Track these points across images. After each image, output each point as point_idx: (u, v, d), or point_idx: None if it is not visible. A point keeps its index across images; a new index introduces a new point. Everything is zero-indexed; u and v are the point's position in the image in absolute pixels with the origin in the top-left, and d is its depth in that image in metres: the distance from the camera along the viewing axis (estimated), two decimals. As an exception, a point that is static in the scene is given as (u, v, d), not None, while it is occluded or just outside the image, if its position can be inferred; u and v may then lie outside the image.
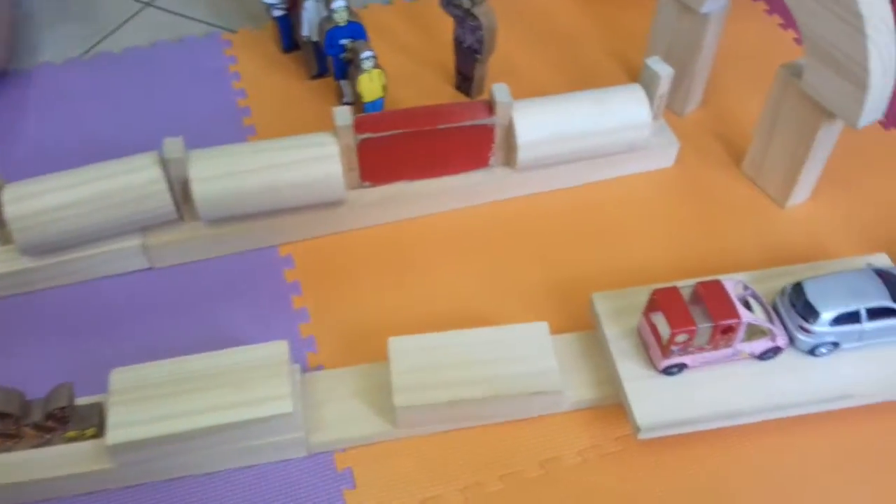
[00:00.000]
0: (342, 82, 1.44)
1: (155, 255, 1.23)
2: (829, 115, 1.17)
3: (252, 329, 1.17)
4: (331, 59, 1.41)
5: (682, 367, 1.03)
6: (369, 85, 1.37)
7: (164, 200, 1.17)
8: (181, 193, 1.19)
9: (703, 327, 0.98)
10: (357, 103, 1.41)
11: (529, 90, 1.33)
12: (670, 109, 1.47)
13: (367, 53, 1.33)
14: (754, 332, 1.04)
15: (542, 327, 1.09)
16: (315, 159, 1.19)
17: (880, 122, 1.47)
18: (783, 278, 1.11)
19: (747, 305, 1.05)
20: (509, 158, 1.30)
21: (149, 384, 1.00)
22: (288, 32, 1.53)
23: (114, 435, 0.96)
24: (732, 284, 1.03)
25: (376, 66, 1.36)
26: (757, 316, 1.03)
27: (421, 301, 1.21)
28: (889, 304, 1.01)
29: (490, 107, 1.24)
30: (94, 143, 1.41)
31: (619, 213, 1.33)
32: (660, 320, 1.01)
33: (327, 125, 1.20)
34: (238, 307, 1.20)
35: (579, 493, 1.03)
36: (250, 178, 1.18)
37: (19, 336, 1.17)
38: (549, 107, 1.27)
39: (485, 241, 1.29)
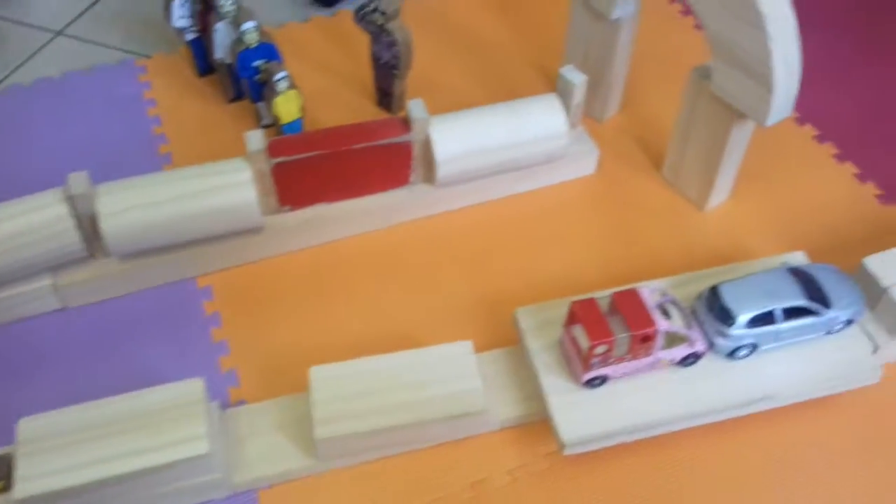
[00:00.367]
0: (259, 104, 1.41)
1: (67, 294, 1.19)
2: (740, 115, 1.18)
3: (171, 366, 1.14)
4: (245, 81, 1.39)
5: (603, 378, 1.02)
6: (286, 106, 1.35)
7: (72, 238, 1.14)
8: (90, 229, 1.15)
9: (621, 338, 0.98)
10: (276, 125, 1.38)
11: (452, 104, 1.32)
12: (590, 116, 1.47)
13: (280, 74, 1.31)
14: (674, 338, 1.04)
15: (465, 346, 1.07)
16: (228, 186, 1.17)
17: (795, 119, 1.49)
18: (704, 281, 1.11)
19: (666, 312, 1.05)
20: (429, 175, 1.28)
21: (59, 432, 0.96)
22: (202, 56, 1.50)
23: (22, 488, 0.92)
24: (649, 292, 1.03)
25: (292, 86, 1.34)
26: (675, 322, 1.03)
27: (346, 326, 1.19)
28: (803, 303, 1.02)
29: (406, 124, 1.23)
30: (2, 180, 1.36)
31: (543, 224, 1.33)
32: (579, 333, 1.00)
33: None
34: (156, 344, 1.17)
35: (510, 514, 1.02)
36: (161, 210, 1.15)
37: (-74, 388, 1.13)
38: (466, 121, 1.26)
39: (409, 261, 1.28)
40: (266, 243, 1.24)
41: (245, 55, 1.34)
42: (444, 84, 1.55)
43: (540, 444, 1.07)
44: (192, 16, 1.43)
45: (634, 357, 1.01)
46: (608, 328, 0.98)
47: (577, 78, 1.27)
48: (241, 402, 1.10)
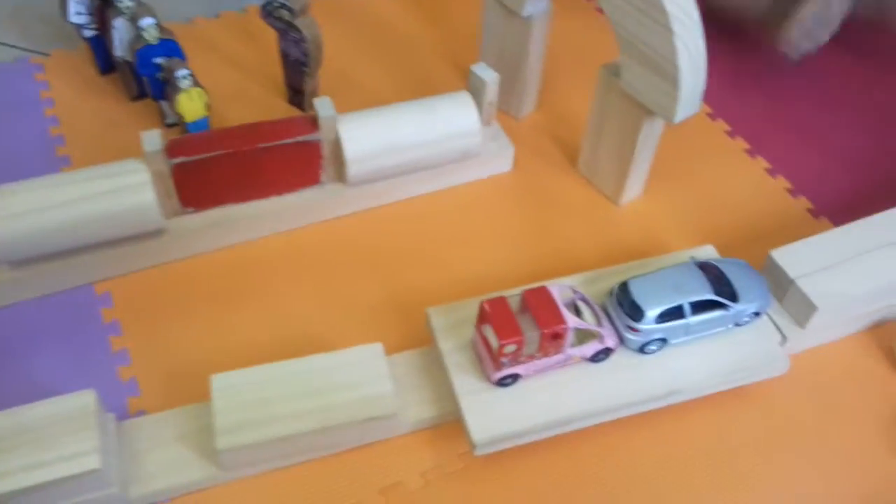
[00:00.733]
0: (162, 103, 1.36)
1: (-47, 304, 1.12)
2: (649, 111, 1.18)
3: (66, 378, 1.08)
4: (147, 79, 1.33)
5: (515, 377, 1.01)
6: (189, 104, 1.30)
7: (-44, 246, 1.07)
8: (-23, 236, 1.09)
9: (531, 336, 0.97)
10: (180, 124, 1.33)
11: (367, 101, 1.29)
12: (506, 113, 1.47)
13: (182, 72, 1.26)
14: (585, 335, 1.03)
15: (376, 349, 1.05)
16: (125, 188, 1.12)
17: (707, 115, 1.51)
18: (617, 277, 1.11)
19: (577, 309, 1.04)
20: (340, 174, 1.25)
21: (-62, 451, 0.90)
22: (102, 53, 1.43)
23: None
24: (559, 289, 1.02)
25: (195, 84, 1.29)
26: (585, 319, 1.02)
27: (254, 332, 1.15)
28: (711, 296, 1.03)
29: (314, 122, 1.20)
30: None
31: (459, 223, 1.31)
32: (489, 332, 0.99)
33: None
34: (50, 355, 1.11)
35: (422, 518, 1.00)
36: (54, 214, 1.09)
37: None
38: (377, 119, 1.23)
39: (320, 262, 1.24)
40: (168, 247, 1.19)
41: (145, 52, 1.28)
42: (358, 81, 1.52)
43: (454, 445, 1.05)
44: (90, 12, 1.37)
45: (545, 355, 1.00)
46: (518, 327, 0.97)
47: (488, 75, 1.25)
48: (140, 413, 1.05)
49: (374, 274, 1.23)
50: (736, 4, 1.50)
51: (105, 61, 1.45)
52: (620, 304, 1.03)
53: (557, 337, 0.98)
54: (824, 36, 1.43)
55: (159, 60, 1.30)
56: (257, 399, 0.99)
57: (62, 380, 1.08)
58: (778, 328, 1.11)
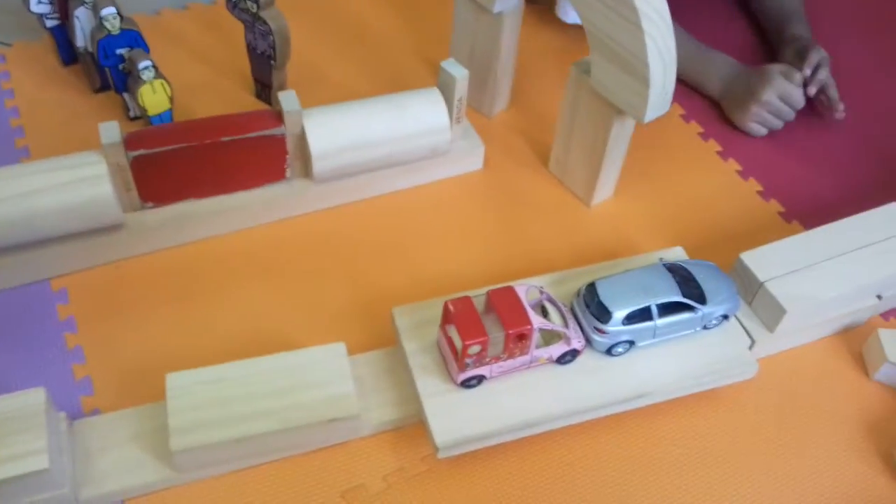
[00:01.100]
0: (125, 95, 1.33)
1: None
2: (619, 110, 1.16)
3: (17, 375, 1.05)
4: (108, 70, 1.30)
5: (480, 378, 0.99)
6: (152, 97, 1.27)
7: None
8: (-73, 228, 1.05)
9: (496, 336, 0.95)
10: (144, 117, 1.30)
11: (337, 97, 1.27)
12: (477, 111, 1.45)
13: (144, 63, 1.23)
14: (551, 336, 1.01)
15: (338, 348, 1.02)
16: (82, 181, 1.08)
17: (681, 116, 1.50)
18: (585, 277, 1.09)
19: (544, 310, 1.03)
20: (306, 170, 1.23)
21: None
22: (65, 44, 1.40)
23: None
24: (525, 290, 1.00)
25: (158, 76, 1.26)
26: (551, 320, 1.01)
27: (215, 330, 1.12)
28: (678, 298, 1.01)
29: (279, 116, 1.17)
30: None
31: (428, 221, 1.29)
32: (454, 332, 0.97)
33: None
34: (3, 351, 1.07)
35: (383, 522, 0.97)
36: (8, 206, 1.06)
37: None
38: (344, 114, 1.21)
39: (284, 260, 1.21)
40: (127, 242, 1.16)
41: (106, 43, 1.25)
42: (328, 76, 1.49)
43: (418, 448, 1.03)
44: (51, 1, 1.33)
45: (511, 356, 0.98)
46: (482, 327, 0.95)
47: (458, 71, 1.23)
48: (95, 412, 1.02)
49: (340, 272, 1.21)
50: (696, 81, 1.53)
51: (67, 52, 1.42)
52: (587, 306, 1.02)
53: (523, 338, 0.96)
54: (779, 125, 1.46)
55: (122, 51, 1.27)
56: (214, 399, 0.96)
57: (14, 377, 1.05)
58: (747, 331, 1.10)
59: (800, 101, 1.42)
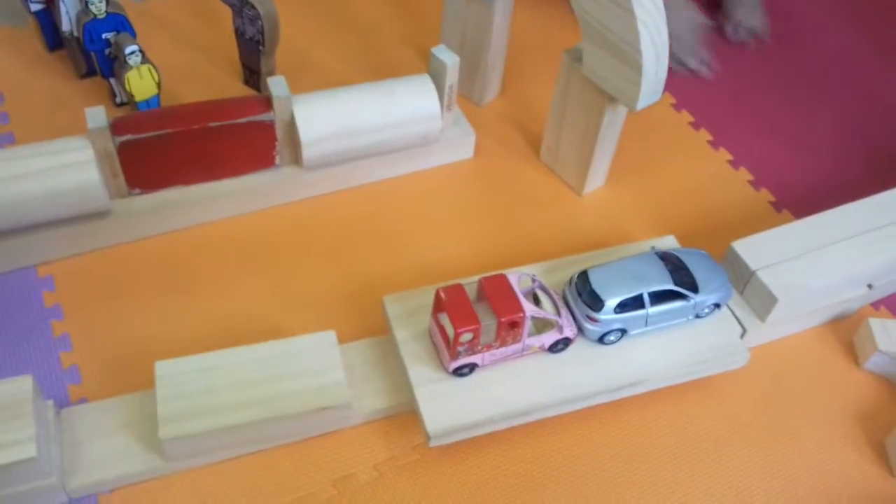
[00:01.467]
0: (112, 80, 1.31)
1: None
2: (611, 98, 1.16)
3: (5, 363, 1.04)
4: (95, 55, 1.28)
5: (472, 366, 0.98)
6: (139, 82, 1.25)
7: None
8: None
9: (488, 324, 0.94)
10: (131, 103, 1.29)
11: (327, 83, 1.26)
12: (468, 100, 1.44)
13: (131, 48, 1.22)
14: (544, 324, 1.01)
15: (328, 337, 1.02)
16: (68, 166, 1.07)
17: (671, 106, 1.50)
18: (577, 266, 1.09)
19: (536, 298, 1.02)
20: (296, 157, 1.21)
21: None
22: (50, 29, 1.38)
23: None
24: (517, 277, 0.99)
25: (145, 61, 1.24)
26: (544, 308, 1.00)
27: (203, 318, 1.11)
28: (670, 286, 1.01)
29: (268, 102, 1.16)
30: None
31: (418, 209, 1.28)
32: (446, 320, 0.96)
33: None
34: (-12, 339, 1.06)
35: (375, 511, 0.97)
36: (-7, 193, 1.04)
37: None
38: (334, 100, 1.20)
39: (275, 248, 1.20)
40: (114, 229, 1.15)
41: (92, 27, 1.23)
42: (317, 63, 1.48)
43: (409, 436, 1.03)
44: (36, -16, 1.31)
45: (503, 344, 0.97)
46: (474, 315, 0.94)
47: (449, 58, 1.22)
48: (82, 401, 1.01)
49: (330, 260, 1.20)
50: None
51: (53, 37, 1.40)
52: (580, 294, 1.01)
53: (515, 326, 0.95)
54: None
55: (108, 36, 1.25)
56: (204, 387, 0.95)
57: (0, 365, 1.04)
58: (738, 320, 1.10)
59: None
